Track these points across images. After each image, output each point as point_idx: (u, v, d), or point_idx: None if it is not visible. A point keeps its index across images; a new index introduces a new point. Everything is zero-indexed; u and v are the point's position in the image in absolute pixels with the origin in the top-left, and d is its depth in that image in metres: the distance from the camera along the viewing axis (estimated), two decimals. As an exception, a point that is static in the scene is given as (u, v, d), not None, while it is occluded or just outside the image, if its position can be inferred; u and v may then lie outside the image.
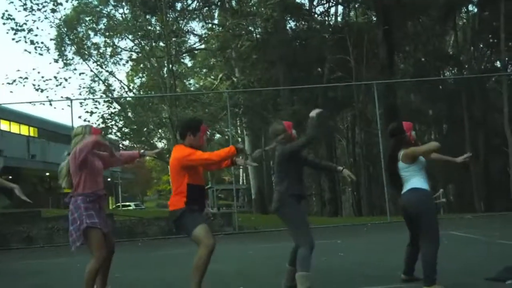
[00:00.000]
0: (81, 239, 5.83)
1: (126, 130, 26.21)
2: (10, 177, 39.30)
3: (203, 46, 31.75)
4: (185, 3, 30.05)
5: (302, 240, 6.11)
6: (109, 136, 26.23)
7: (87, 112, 24.48)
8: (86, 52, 26.20)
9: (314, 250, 6.11)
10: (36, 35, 24.93)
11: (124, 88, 28.69)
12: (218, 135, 35.82)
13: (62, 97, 24.77)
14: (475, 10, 38.78)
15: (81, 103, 24.00)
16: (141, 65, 30.69)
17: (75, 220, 5.82)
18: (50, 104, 23.61)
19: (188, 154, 5.87)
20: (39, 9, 24.60)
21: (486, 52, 41.29)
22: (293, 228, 6.31)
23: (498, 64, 38.57)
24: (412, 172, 6.16)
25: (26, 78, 24.61)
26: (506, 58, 31.12)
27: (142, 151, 6.56)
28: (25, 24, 24.59)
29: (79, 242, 5.86)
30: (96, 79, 26.78)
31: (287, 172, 6.32)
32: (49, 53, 25.78)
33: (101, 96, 26.31)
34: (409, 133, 6.32)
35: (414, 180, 6.19)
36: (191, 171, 5.94)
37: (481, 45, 40.15)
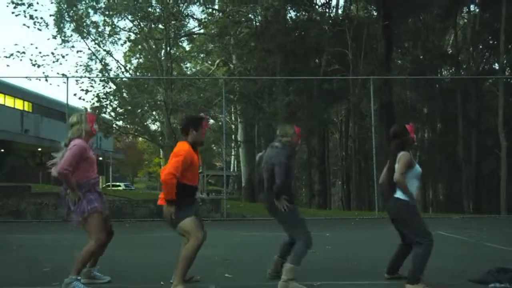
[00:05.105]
0: (80, 224, 5.96)
1: (121, 110, 26.11)
2: (2, 150, 39.34)
3: (202, 31, 31.57)
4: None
5: (301, 238, 6.22)
6: (103, 115, 26.15)
7: (82, 90, 24.35)
8: (84, 30, 26.03)
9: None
10: (35, 10, 24.79)
11: (120, 68, 28.52)
12: (212, 121, 35.74)
13: (58, 73, 24.68)
14: (477, 10, 38.81)
15: (77, 80, 23.82)
16: (139, 46, 30.54)
17: (76, 206, 5.92)
18: (46, 80, 23.42)
19: (176, 153, 5.81)
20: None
21: (485, 53, 41.34)
22: (291, 227, 6.41)
23: (496, 66, 38.62)
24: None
25: (24, 52, 24.42)
26: (505, 61, 31.10)
27: None
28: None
29: (77, 227, 6.00)
30: (93, 57, 26.63)
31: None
32: (47, 29, 25.65)
33: (97, 75, 26.17)
34: (412, 135, 6.36)
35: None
36: (187, 172, 5.85)
37: (481, 46, 40.17)
